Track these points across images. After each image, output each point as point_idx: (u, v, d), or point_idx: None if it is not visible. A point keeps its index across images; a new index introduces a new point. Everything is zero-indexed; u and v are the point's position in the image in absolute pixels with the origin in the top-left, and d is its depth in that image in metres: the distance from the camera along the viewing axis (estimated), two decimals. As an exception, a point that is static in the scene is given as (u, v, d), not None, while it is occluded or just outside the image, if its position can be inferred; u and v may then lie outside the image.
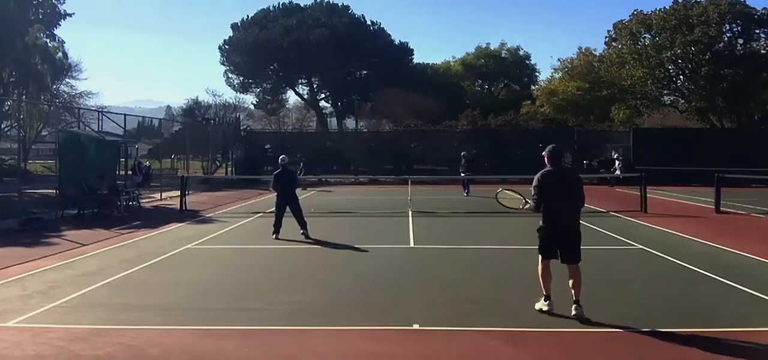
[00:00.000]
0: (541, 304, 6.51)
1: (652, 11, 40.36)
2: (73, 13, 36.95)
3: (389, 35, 56.53)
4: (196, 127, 36.64)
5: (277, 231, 12.16)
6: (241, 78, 55.75)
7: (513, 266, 9.40)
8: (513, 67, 56.94)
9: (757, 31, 38.78)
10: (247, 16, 55.78)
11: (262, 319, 6.30)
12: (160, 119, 39.48)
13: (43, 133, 36.62)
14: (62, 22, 28.86)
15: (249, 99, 57.40)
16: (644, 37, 40.98)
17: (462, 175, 23.16)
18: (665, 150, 30.03)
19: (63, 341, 5.58)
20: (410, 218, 15.40)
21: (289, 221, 12.34)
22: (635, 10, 40.94)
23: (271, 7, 55.56)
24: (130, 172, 26.55)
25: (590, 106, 44.50)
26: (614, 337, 5.75)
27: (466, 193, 22.71)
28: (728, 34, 39.07)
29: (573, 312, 6.21)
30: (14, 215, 14.86)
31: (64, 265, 9.36)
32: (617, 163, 30.31)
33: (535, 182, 6.56)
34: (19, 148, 27.42)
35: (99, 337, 5.72)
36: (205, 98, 52.87)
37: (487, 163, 31.77)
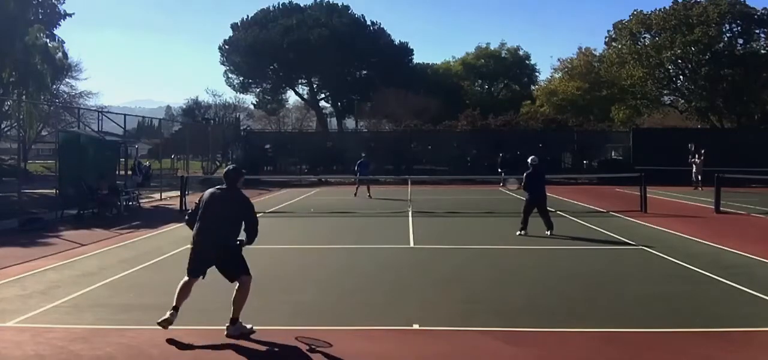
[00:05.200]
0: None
1: (652, 11, 40.50)
2: (73, 13, 36.83)
3: (389, 35, 56.67)
4: (196, 127, 36.66)
5: None
6: (241, 78, 55.81)
7: (513, 266, 9.40)
8: (513, 67, 57.01)
9: (757, 31, 38.83)
10: (247, 16, 55.93)
11: (262, 319, 6.29)
12: (160, 119, 39.44)
13: (43, 133, 36.60)
14: (62, 22, 28.84)
15: (249, 99, 57.58)
16: (644, 37, 41.02)
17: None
18: (665, 150, 29.99)
19: (63, 341, 5.57)
20: (410, 218, 15.38)
21: (289, 222, 12.32)
22: (635, 10, 41.07)
23: (271, 7, 55.62)
24: (130, 172, 26.58)
25: (590, 106, 44.55)
26: (614, 337, 5.75)
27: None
28: (728, 34, 39.12)
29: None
30: (14, 215, 14.84)
31: (64, 265, 9.35)
32: None
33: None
34: (19, 148, 27.40)
35: (99, 337, 5.72)
36: (205, 98, 53.06)
37: (487, 163, 31.79)
